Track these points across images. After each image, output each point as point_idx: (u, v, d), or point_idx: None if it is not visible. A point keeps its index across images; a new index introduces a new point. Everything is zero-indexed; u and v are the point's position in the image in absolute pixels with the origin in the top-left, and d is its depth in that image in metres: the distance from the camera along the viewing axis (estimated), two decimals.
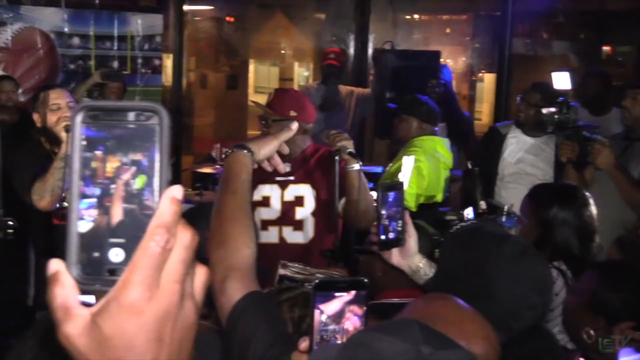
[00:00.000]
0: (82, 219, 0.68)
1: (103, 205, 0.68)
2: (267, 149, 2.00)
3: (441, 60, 6.49)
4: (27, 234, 4.26)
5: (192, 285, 0.70)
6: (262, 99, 3.88)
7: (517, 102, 4.61)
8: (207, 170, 5.64)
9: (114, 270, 0.68)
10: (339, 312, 1.40)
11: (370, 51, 7.70)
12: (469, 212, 3.42)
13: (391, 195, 2.09)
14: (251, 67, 9.48)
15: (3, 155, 5.00)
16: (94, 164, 0.68)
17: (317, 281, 1.41)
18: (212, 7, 8.65)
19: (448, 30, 9.48)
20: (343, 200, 3.37)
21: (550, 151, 4.33)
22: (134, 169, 0.68)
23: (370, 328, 1.26)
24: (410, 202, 4.25)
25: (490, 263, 1.82)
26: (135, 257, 0.65)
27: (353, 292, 1.40)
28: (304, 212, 3.48)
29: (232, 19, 8.92)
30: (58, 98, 3.72)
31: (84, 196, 0.68)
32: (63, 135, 3.53)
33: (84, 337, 0.65)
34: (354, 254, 3.25)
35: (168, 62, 7.78)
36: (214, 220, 1.83)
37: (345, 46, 7.93)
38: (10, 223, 4.85)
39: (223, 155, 2.05)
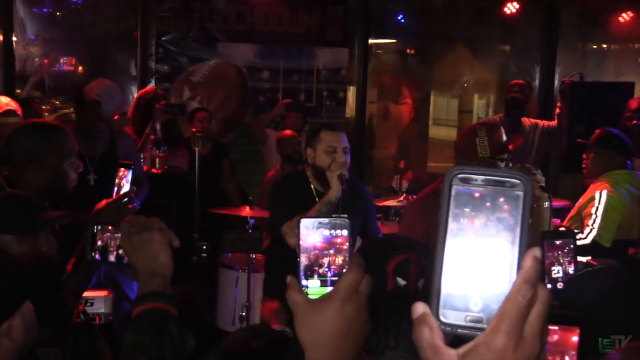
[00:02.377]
0: (448, 270, 0.75)
1: (467, 258, 0.74)
2: None
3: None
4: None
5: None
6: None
7: None
8: (389, 202, 5.60)
9: (472, 318, 0.74)
10: None
11: (556, 83, 7.48)
12: None
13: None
14: (431, 99, 9.45)
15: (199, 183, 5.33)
16: (462, 220, 0.75)
17: None
18: (395, 40, 8.75)
19: None
20: None
21: None
22: (496, 227, 0.74)
23: None
24: (605, 238, 4.11)
25: None
26: (504, 308, 0.72)
27: None
28: None
29: (414, 52, 8.98)
30: (335, 141, 3.70)
31: (449, 249, 0.75)
32: (335, 182, 3.55)
33: None
34: None
35: (350, 94, 7.94)
36: None
37: (530, 78, 7.75)
38: (204, 247, 5.15)
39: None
